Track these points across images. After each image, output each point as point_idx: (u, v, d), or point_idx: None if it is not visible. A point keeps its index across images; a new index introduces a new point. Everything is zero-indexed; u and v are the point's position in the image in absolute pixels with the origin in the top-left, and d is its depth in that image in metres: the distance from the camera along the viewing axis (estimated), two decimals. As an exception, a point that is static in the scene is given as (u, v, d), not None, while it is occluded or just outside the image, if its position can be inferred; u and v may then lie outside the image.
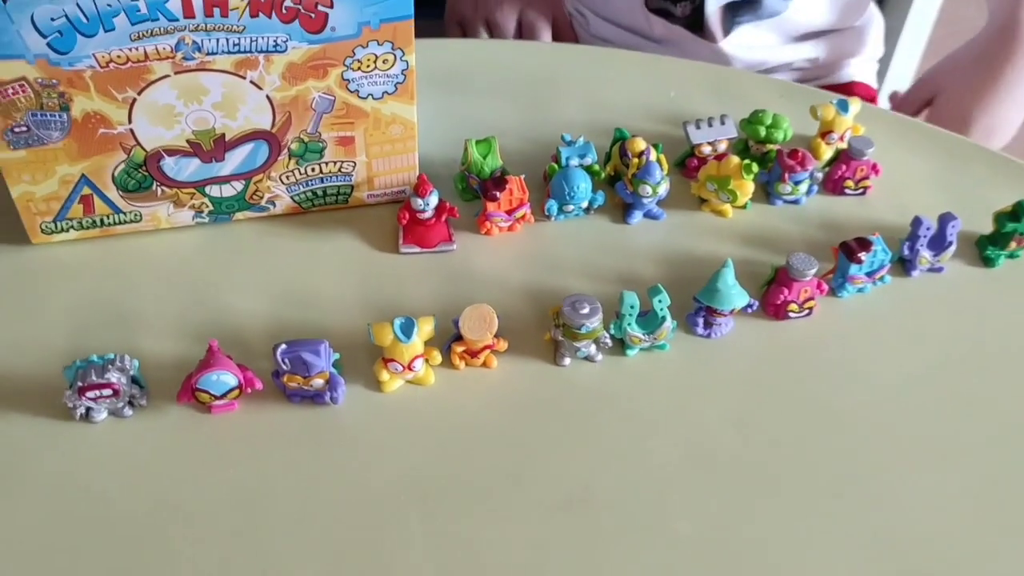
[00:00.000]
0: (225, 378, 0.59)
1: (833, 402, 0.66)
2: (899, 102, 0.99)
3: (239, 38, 0.63)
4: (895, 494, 0.61)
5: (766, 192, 0.79)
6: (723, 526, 0.59)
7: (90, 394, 0.59)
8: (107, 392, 0.59)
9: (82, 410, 0.60)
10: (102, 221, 0.70)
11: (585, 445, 0.62)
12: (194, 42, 0.62)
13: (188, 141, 0.67)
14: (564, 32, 1.07)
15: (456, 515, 0.58)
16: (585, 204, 0.75)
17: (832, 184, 0.79)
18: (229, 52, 0.63)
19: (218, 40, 0.62)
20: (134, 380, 0.61)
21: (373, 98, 0.68)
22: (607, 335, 0.66)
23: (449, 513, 0.58)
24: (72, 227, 0.70)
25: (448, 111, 0.83)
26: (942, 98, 0.94)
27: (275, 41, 0.63)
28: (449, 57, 0.88)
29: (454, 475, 0.60)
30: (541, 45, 0.93)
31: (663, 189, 0.74)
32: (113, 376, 0.58)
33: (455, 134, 0.78)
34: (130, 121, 0.65)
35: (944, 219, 0.72)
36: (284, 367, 0.60)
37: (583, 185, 0.74)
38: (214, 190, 0.71)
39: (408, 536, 0.57)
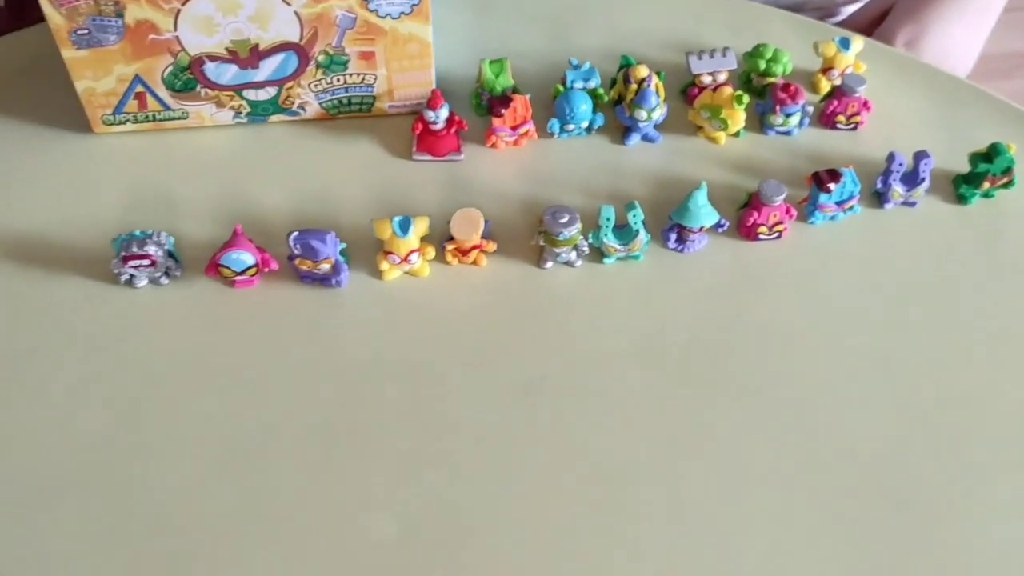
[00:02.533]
0: (244, 257, 0.69)
1: (786, 317, 0.72)
2: (853, 15, 1.00)
3: (270, -42, 0.70)
4: (825, 403, 0.68)
5: (761, 123, 0.84)
6: (661, 417, 0.67)
7: (132, 263, 0.69)
8: (146, 262, 0.69)
9: (126, 276, 0.70)
10: (154, 117, 0.80)
11: (551, 339, 0.70)
12: (231, -40, 0.70)
13: (227, 49, 0.75)
14: None
15: (429, 390, 0.67)
16: (585, 124, 0.82)
17: (825, 118, 0.83)
18: (261, -30, 0.71)
19: (252, -41, 0.70)
20: (170, 254, 0.71)
21: (391, 18, 0.75)
22: (585, 243, 0.73)
23: (423, 388, 0.67)
24: (128, 120, 0.80)
25: (474, 32, 0.90)
26: (897, 6, 0.96)
27: (302, -38, 0.71)
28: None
29: (434, 356, 0.69)
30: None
31: (658, 115, 0.80)
32: (151, 249, 0.69)
33: (478, 53, 0.85)
34: (175, 29, 0.73)
35: (918, 156, 0.76)
36: (296, 252, 0.69)
37: (583, 107, 0.80)
38: (251, 94, 0.79)
39: (384, 404, 0.67)
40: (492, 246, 0.73)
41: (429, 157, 0.81)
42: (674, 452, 0.65)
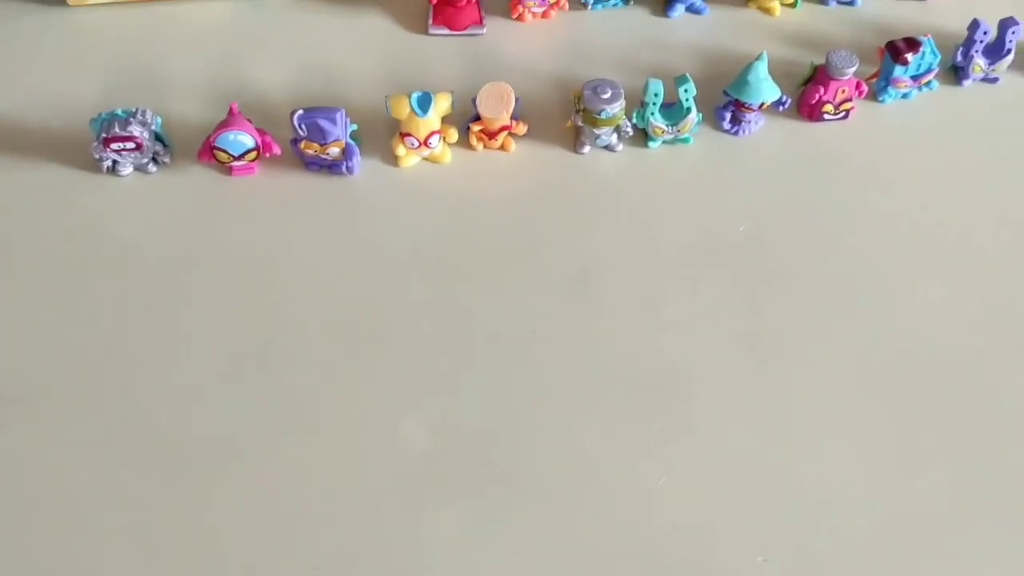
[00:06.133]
0: (242, 138, 0.61)
1: (856, 206, 0.64)
2: None
3: None
4: (893, 294, 0.60)
5: (820, -9, 0.74)
6: (714, 312, 0.59)
7: (114, 146, 0.60)
8: (130, 145, 0.61)
9: (108, 163, 0.62)
10: (134, -16, 0.70)
11: (591, 231, 0.62)
12: None
13: (216, -99, 0.65)
14: None
15: (457, 285, 0.60)
16: (624, -7, 0.72)
17: (893, -15, 0.74)
18: None
19: None
20: (158, 137, 0.62)
21: None
22: (628, 123, 0.64)
23: (450, 283, 0.60)
24: (106, -11, 0.70)
25: None
26: None
27: None
28: None
29: (460, 250, 0.61)
30: None
31: (707, -20, 0.71)
32: (135, 129, 0.60)
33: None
34: None
35: (1004, 24, 0.67)
36: (301, 133, 0.61)
37: (623, -28, 0.71)
38: (244, -43, 0.70)
39: (409, 300, 0.59)
40: (522, 128, 0.65)
41: (447, 31, 0.71)
42: (730, 347, 0.58)
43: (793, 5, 0.73)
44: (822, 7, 0.74)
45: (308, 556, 0.50)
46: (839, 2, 0.74)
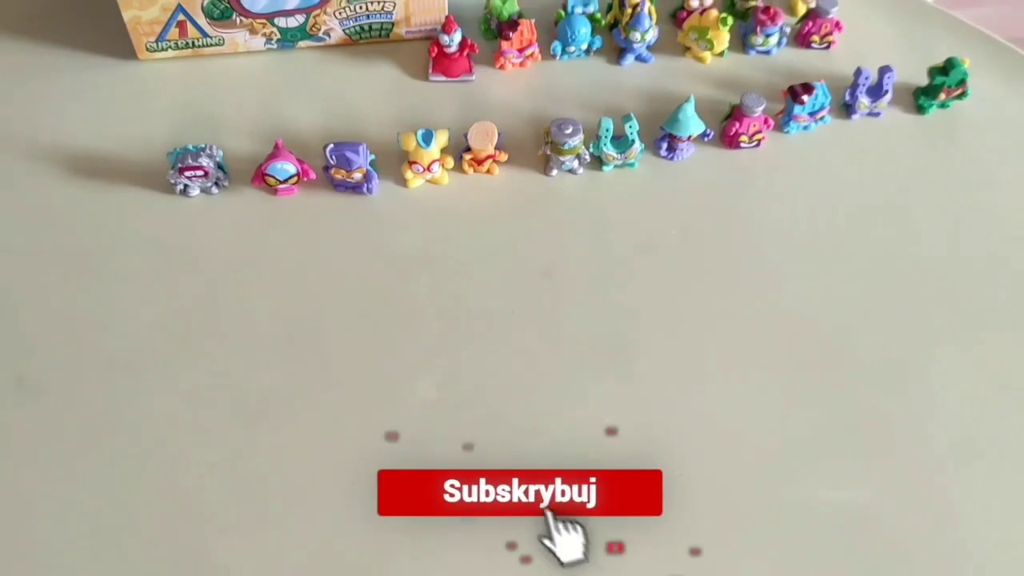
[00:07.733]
0: (286, 167, 0.78)
1: (767, 216, 0.82)
2: None
3: None
4: (797, 287, 0.78)
5: (743, 43, 0.92)
6: (657, 300, 0.77)
7: (187, 173, 0.78)
8: (199, 173, 0.78)
9: (180, 187, 0.79)
10: (193, 44, 0.88)
11: (559, 235, 0.80)
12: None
13: (261, -21, 0.83)
14: None
15: (456, 277, 0.77)
16: (585, 47, 0.90)
17: (800, 38, 0.92)
18: (293, -94, 0.78)
19: None
20: (219, 166, 0.80)
21: (409, -51, 0.83)
22: (587, 152, 0.82)
23: (450, 276, 0.77)
24: (170, 47, 0.88)
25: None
26: None
27: (330, -102, 0.78)
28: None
29: (457, 250, 0.79)
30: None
31: (650, 36, 0.89)
32: (204, 160, 0.77)
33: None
34: (216, -39, 0.81)
35: (882, 71, 0.85)
36: (331, 162, 0.78)
37: (583, 30, 0.89)
38: (281, 21, 0.87)
39: (418, 290, 0.77)
40: (504, 156, 0.82)
41: (443, 78, 0.89)
42: (664, 327, 0.75)
43: (721, 55, 0.91)
44: (744, 56, 0.92)
45: (347, 472, 0.68)
46: (758, 52, 0.92)
